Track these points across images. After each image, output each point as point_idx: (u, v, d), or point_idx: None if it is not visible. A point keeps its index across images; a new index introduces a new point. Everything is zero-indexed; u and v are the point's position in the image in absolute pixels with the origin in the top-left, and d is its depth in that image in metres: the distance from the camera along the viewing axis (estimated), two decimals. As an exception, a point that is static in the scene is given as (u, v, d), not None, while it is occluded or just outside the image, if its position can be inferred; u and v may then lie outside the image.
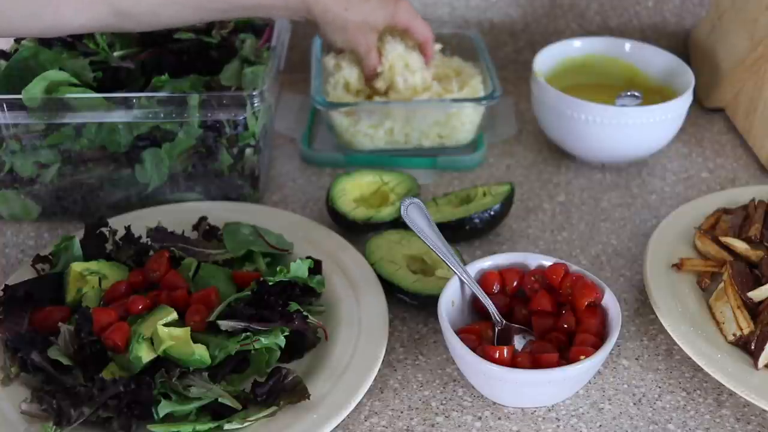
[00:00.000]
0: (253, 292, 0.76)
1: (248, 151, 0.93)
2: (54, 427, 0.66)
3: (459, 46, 1.14)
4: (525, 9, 1.25)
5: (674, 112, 0.99)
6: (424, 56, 1.04)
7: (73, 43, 0.96)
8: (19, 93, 0.85)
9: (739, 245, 0.83)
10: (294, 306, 0.74)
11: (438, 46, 1.07)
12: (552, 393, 0.71)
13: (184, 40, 0.99)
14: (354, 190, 0.95)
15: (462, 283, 0.76)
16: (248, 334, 0.72)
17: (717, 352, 0.73)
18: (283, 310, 0.74)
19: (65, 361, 0.71)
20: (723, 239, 0.84)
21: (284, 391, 0.70)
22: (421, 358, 0.78)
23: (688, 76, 1.03)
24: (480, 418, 0.72)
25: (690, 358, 0.75)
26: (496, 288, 0.77)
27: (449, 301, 0.75)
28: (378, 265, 0.84)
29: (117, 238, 0.85)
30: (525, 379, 0.68)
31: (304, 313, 0.74)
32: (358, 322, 0.77)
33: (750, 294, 0.77)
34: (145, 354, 0.70)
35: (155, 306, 0.76)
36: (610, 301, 0.74)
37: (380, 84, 1.03)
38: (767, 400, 0.69)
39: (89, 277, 0.80)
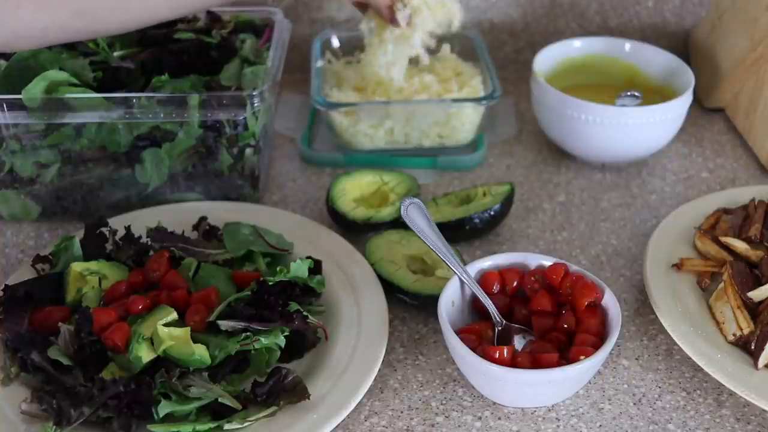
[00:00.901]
0: (253, 292, 0.76)
1: (248, 151, 0.93)
2: (54, 427, 0.66)
3: (459, 46, 1.14)
4: (525, 9, 1.25)
5: (674, 112, 0.99)
6: None
7: (73, 43, 0.96)
8: (19, 93, 0.85)
9: (739, 245, 0.83)
10: (294, 306, 0.74)
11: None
12: (552, 393, 0.71)
13: (184, 40, 0.99)
14: (354, 190, 0.95)
15: (462, 283, 0.76)
16: (248, 334, 0.72)
17: (717, 352, 0.73)
18: (283, 310, 0.74)
19: (65, 361, 0.71)
20: (723, 239, 0.84)
21: (284, 391, 0.69)
22: (421, 358, 0.78)
23: (688, 76, 1.02)
24: (480, 418, 0.72)
25: (690, 358, 0.75)
26: (496, 288, 0.77)
27: (449, 301, 0.75)
28: (378, 265, 0.84)
29: (117, 238, 0.85)
30: (525, 379, 0.68)
31: (304, 313, 0.74)
32: (358, 322, 0.77)
33: (750, 294, 0.77)
34: (145, 354, 0.70)
35: (155, 306, 0.76)
36: (610, 301, 0.74)
37: (400, 18, 0.96)
38: (767, 400, 0.69)
39: (89, 277, 0.80)
